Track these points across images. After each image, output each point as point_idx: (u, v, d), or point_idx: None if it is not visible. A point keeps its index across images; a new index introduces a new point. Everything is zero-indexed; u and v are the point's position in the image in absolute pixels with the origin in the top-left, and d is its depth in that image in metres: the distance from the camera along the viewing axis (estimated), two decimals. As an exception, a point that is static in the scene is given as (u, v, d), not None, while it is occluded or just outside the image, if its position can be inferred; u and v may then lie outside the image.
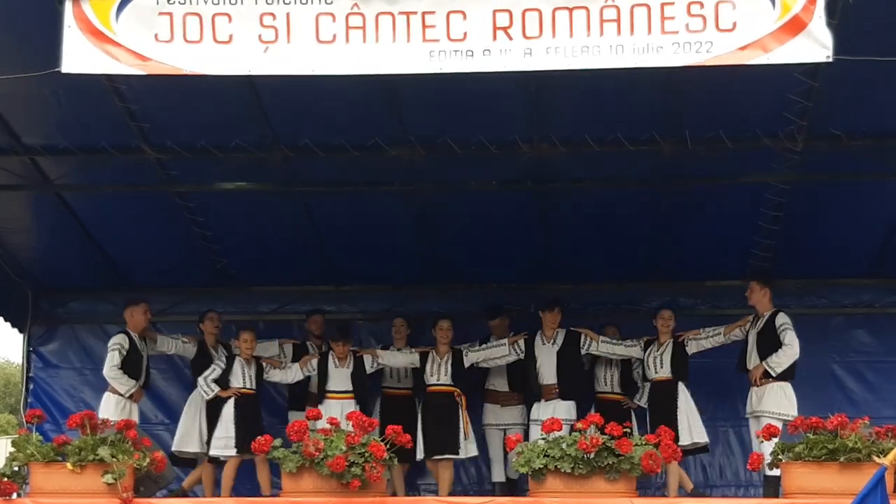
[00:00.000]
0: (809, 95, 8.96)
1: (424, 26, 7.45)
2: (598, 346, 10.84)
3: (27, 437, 8.16)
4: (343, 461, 7.78)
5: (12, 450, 8.20)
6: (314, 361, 10.94)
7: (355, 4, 7.48)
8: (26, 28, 8.24)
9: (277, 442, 8.21)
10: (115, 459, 7.90)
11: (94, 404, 10.67)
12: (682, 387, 10.55)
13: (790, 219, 10.73)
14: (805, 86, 8.79)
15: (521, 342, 10.85)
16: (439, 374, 10.72)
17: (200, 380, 10.76)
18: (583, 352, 10.87)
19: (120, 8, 7.50)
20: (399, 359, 11.04)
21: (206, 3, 7.49)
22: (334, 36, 7.50)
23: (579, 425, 8.29)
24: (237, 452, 10.34)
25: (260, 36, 7.50)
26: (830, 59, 7.37)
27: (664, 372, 10.61)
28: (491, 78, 7.65)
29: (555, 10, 7.42)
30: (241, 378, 10.70)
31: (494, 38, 7.45)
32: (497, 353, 10.89)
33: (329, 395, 10.77)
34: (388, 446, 8.16)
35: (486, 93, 8.74)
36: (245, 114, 9.53)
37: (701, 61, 7.41)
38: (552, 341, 10.81)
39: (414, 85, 8.38)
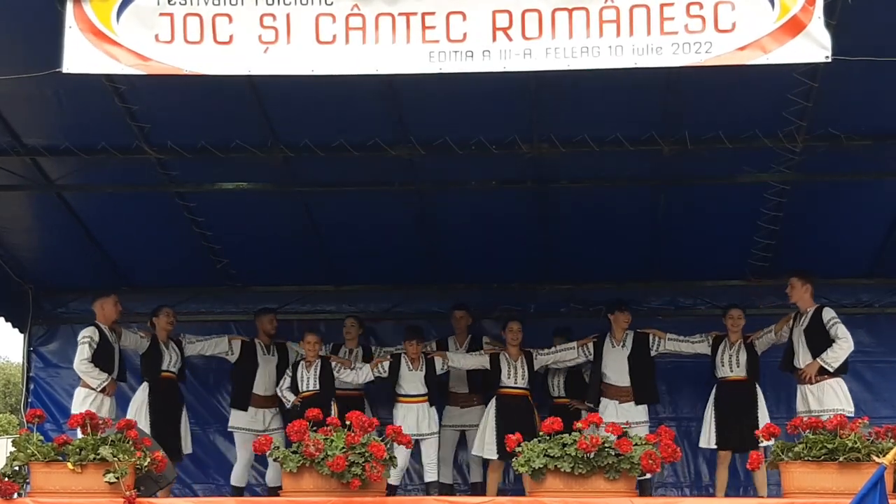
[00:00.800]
0: (809, 96, 8.97)
1: (424, 27, 7.46)
2: (666, 343, 10.86)
3: (28, 437, 8.15)
4: (343, 461, 7.78)
5: (13, 449, 8.20)
6: (385, 364, 10.96)
7: (355, 5, 7.49)
8: (27, 28, 8.25)
9: (278, 441, 8.22)
10: (116, 459, 7.90)
11: (95, 404, 10.65)
12: (758, 388, 10.60)
13: (790, 219, 10.74)
14: (804, 86, 8.79)
15: (590, 345, 10.88)
16: (516, 377, 10.77)
17: (278, 391, 10.95)
18: (653, 353, 10.87)
19: (121, 8, 7.51)
20: (469, 361, 11.07)
21: (206, 3, 7.49)
22: (334, 36, 7.50)
23: (579, 425, 8.28)
24: None
25: (260, 36, 7.51)
26: (829, 60, 7.38)
27: (740, 371, 10.61)
28: (491, 78, 7.65)
29: (554, 10, 7.43)
30: (302, 381, 10.82)
31: (494, 38, 7.45)
32: (567, 357, 10.96)
33: (402, 398, 10.82)
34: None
35: (486, 93, 8.75)
36: (245, 114, 9.54)
37: (700, 62, 7.42)
38: (622, 343, 10.82)
39: (414, 85, 8.39)
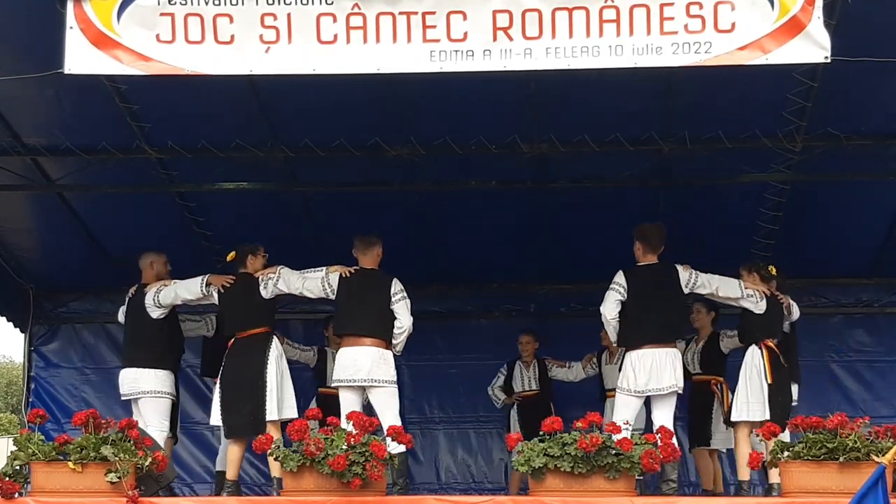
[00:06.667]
0: (808, 96, 8.98)
1: (425, 26, 7.47)
2: None
3: (29, 437, 8.15)
4: (344, 460, 7.78)
5: (14, 449, 8.21)
6: (595, 360, 11.22)
7: (356, 5, 7.50)
8: (28, 29, 8.26)
9: (279, 441, 8.21)
10: (117, 458, 7.91)
11: (96, 403, 10.64)
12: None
13: (790, 219, 10.76)
14: (804, 86, 8.81)
15: None
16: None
17: (488, 389, 11.36)
18: None
19: (121, 9, 7.51)
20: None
21: (207, 3, 7.51)
22: (335, 36, 7.52)
23: (579, 424, 8.28)
24: None
25: (261, 36, 7.52)
26: (828, 61, 7.39)
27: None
28: (491, 78, 7.67)
29: (554, 10, 7.44)
30: (521, 381, 11.20)
31: (495, 38, 7.47)
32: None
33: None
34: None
35: (486, 93, 8.77)
36: (245, 114, 9.55)
37: (700, 62, 7.43)
38: None
39: (414, 85, 8.41)
